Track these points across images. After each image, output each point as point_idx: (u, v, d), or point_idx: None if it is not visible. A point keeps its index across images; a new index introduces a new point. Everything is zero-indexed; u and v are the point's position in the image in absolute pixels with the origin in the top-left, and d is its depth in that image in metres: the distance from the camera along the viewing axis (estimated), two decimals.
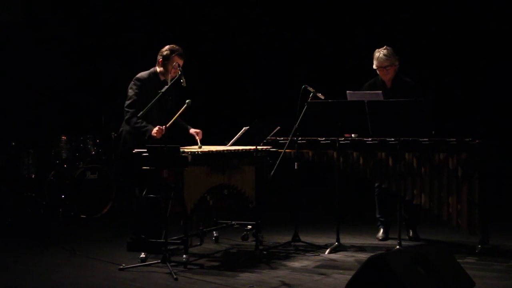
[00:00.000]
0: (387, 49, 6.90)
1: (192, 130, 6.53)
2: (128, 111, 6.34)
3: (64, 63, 9.99)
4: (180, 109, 6.19)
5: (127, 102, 6.38)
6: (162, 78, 6.47)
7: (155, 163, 5.85)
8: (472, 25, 9.67)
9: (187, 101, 6.14)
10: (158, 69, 6.50)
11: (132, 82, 6.44)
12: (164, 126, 5.99)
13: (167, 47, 6.48)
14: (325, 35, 10.52)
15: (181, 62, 6.41)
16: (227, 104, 10.71)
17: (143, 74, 6.49)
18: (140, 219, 6.31)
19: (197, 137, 6.45)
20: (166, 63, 6.43)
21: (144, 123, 6.23)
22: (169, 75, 6.38)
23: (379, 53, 6.90)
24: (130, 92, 6.40)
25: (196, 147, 6.26)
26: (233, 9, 10.72)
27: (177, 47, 6.47)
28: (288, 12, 10.69)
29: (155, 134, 6.15)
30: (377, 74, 7.00)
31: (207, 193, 6.35)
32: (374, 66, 6.95)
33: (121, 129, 6.51)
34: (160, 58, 6.47)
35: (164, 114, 6.29)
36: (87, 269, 5.91)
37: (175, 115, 6.36)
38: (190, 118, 6.68)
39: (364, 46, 8.62)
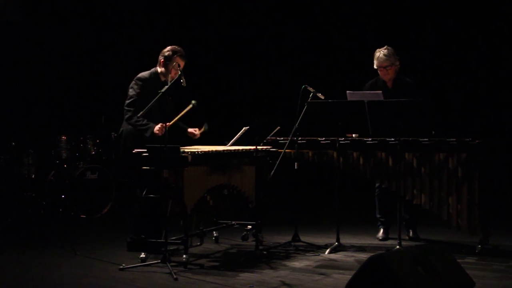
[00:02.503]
0: (387, 49, 6.89)
1: (190, 129, 6.55)
2: (128, 110, 6.34)
3: (64, 63, 9.99)
4: (184, 108, 6.19)
5: (128, 101, 6.38)
6: (163, 78, 6.47)
7: (155, 163, 5.85)
8: (472, 25, 9.67)
9: (192, 101, 6.15)
10: (159, 69, 6.49)
11: (133, 82, 6.44)
12: (166, 124, 6.00)
13: (168, 47, 6.47)
14: (325, 35, 10.52)
15: (182, 63, 6.41)
16: (227, 104, 10.71)
17: (144, 74, 6.48)
18: (141, 219, 6.32)
19: (196, 132, 6.47)
20: (168, 64, 6.43)
21: (145, 121, 6.24)
22: (171, 76, 6.38)
23: (379, 53, 6.89)
24: (131, 91, 6.40)
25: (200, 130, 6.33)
26: (234, 8, 10.72)
27: (179, 48, 6.47)
28: (288, 12, 10.69)
29: (157, 132, 6.16)
30: (378, 74, 7.00)
31: (207, 193, 6.35)
32: (375, 66, 6.95)
33: (121, 129, 6.51)
34: (161, 59, 6.47)
35: (164, 114, 6.30)
36: (87, 269, 5.91)
37: (175, 115, 6.36)
38: (190, 118, 6.69)
39: (364, 46, 8.62)
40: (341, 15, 10.43)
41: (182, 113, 6.25)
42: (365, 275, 4.53)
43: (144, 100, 6.25)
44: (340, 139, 6.57)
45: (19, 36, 9.72)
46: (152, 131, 6.18)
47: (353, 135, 6.72)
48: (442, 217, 6.39)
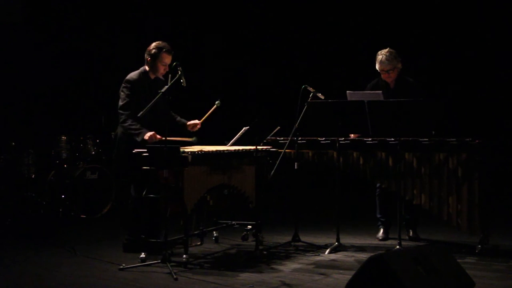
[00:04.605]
0: (389, 52, 6.86)
1: (190, 122, 6.57)
2: (122, 113, 6.34)
3: (64, 63, 9.99)
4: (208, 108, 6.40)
5: (121, 104, 6.37)
6: (152, 76, 6.47)
7: (155, 163, 5.85)
8: (472, 25, 9.67)
9: (216, 102, 6.45)
10: (147, 68, 6.49)
11: (123, 85, 6.43)
12: (159, 136, 6.05)
13: (153, 44, 6.46)
14: (325, 35, 10.52)
15: (169, 59, 6.41)
16: (227, 104, 10.69)
17: (132, 75, 6.47)
18: (137, 219, 6.32)
19: (197, 122, 6.53)
20: (155, 61, 6.43)
21: (138, 126, 6.22)
22: (160, 73, 6.40)
23: (382, 56, 6.87)
24: (122, 94, 6.40)
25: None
26: (234, 8, 10.72)
27: (163, 43, 6.46)
28: (289, 11, 10.69)
29: (147, 139, 6.14)
30: (380, 74, 6.99)
31: (207, 193, 6.35)
32: (377, 68, 6.94)
33: (117, 131, 6.53)
34: (148, 57, 6.46)
35: (157, 113, 6.29)
36: (87, 269, 5.91)
37: (168, 115, 6.37)
38: (190, 118, 6.69)
39: (365, 46, 8.62)
40: (341, 14, 10.42)
41: (208, 113, 6.41)
42: (365, 275, 4.53)
43: (136, 101, 6.26)
44: (340, 139, 6.57)
45: (19, 36, 9.72)
46: (143, 137, 6.17)
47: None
48: (442, 217, 6.39)
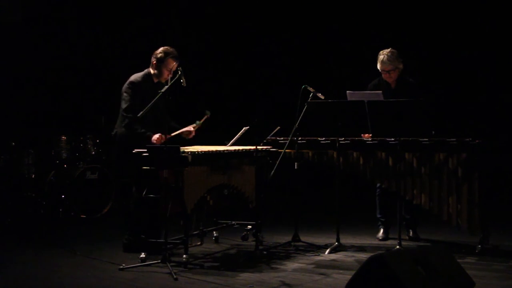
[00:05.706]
0: (391, 52, 6.86)
1: (183, 129, 6.53)
2: (126, 116, 6.33)
3: (64, 63, 9.98)
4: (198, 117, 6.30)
5: (124, 107, 6.37)
6: (155, 80, 6.48)
7: (155, 163, 5.85)
8: (472, 25, 9.67)
9: (207, 111, 6.31)
10: (152, 71, 6.49)
11: (127, 86, 6.43)
12: (166, 135, 6.02)
13: (161, 49, 6.46)
14: (325, 35, 10.52)
15: (175, 65, 6.40)
16: (228, 104, 10.70)
17: (136, 77, 6.47)
18: (137, 219, 6.32)
19: (191, 129, 6.47)
20: (160, 66, 6.43)
21: (143, 130, 6.25)
22: (164, 78, 6.40)
23: (383, 56, 6.87)
24: (126, 96, 6.40)
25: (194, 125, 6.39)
26: (234, 9, 10.72)
27: (171, 49, 6.46)
28: (288, 12, 10.69)
29: (155, 141, 6.16)
30: (381, 74, 6.99)
31: (207, 193, 6.35)
32: (378, 68, 6.93)
33: (115, 130, 6.52)
34: (154, 60, 6.46)
35: (157, 114, 6.29)
36: (87, 269, 5.91)
37: (167, 114, 6.35)
38: (190, 118, 6.68)
39: (365, 45, 8.62)
40: (341, 14, 10.42)
41: (200, 122, 6.35)
42: (365, 275, 4.53)
43: (139, 102, 6.26)
44: (340, 139, 6.57)
45: (19, 36, 9.71)
46: (150, 141, 6.18)
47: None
48: (442, 217, 6.39)
